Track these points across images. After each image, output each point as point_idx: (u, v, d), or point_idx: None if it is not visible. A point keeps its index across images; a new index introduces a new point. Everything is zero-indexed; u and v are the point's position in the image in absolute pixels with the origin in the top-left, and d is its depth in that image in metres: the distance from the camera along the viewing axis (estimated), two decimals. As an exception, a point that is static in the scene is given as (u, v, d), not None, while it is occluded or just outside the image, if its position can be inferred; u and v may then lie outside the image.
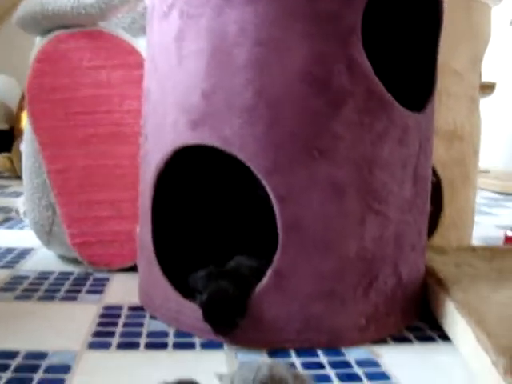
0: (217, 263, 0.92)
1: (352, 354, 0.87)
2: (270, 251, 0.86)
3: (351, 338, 0.90)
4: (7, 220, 1.75)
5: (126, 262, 1.23)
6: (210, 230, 1.05)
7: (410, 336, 0.96)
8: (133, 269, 1.21)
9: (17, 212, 1.76)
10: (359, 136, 0.85)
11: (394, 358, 0.87)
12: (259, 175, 0.84)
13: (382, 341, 0.93)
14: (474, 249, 1.27)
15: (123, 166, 1.19)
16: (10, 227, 1.66)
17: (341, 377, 0.80)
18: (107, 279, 1.19)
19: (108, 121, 1.18)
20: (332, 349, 0.88)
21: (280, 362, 0.69)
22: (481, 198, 2.65)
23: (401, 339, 0.94)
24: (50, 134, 1.19)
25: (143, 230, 1.00)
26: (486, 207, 2.43)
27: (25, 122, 1.33)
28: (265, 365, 0.66)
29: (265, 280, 0.86)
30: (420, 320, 1.02)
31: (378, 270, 0.90)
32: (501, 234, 1.77)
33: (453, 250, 1.24)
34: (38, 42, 1.21)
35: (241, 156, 0.84)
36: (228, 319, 0.85)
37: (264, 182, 0.84)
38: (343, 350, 0.89)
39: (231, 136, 0.84)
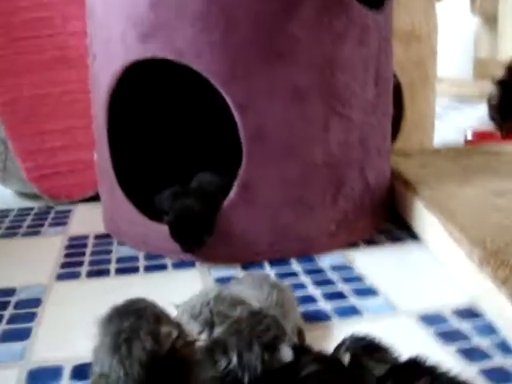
0: (182, 181, 0.89)
1: (325, 261, 0.87)
2: (235, 165, 0.83)
3: (322, 244, 0.90)
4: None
5: (86, 192, 1.19)
6: (171, 148, 1.01)
7: (381, 239, 0.96)
8: (95, 198, 1.18)
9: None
10: (318, 37, 0.82)
11: (366, 260, 0.87)
12: (217, 85, 0.80)
13: (353, 245, 0.93)
14: (437, 150, 1.28)
15: (72, 91, 1.14)
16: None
17: (316, 283, 0.80)
18: (69, 211, 1.15)
19: (51, 45, 1.12)
20: (304, 257, 0.88)
21: (256, 274, 0.68)
22: (437, 104, 2.65)
23: (371, 242, 0.94)
24: (-8, 65, 1.12)
25: (101, 156, 0.96)
26: (443, 113, 2.44)
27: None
28: (213, 290, 0.62)
29: (231, 194, 0.83)
30: (389, 222, 1.02)
31: (345, 176, 0.89)
32: (460, 137, 1.77)
33: (417, 152, 1.23)
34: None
35: (196, 67, 0.80)
36: (195, 236, 0.83)
37: (222, 92, 0.80)
38: (315, 257, 0.88)
39: (185, 46, 0.79)
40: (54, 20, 1.11)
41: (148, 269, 0.86)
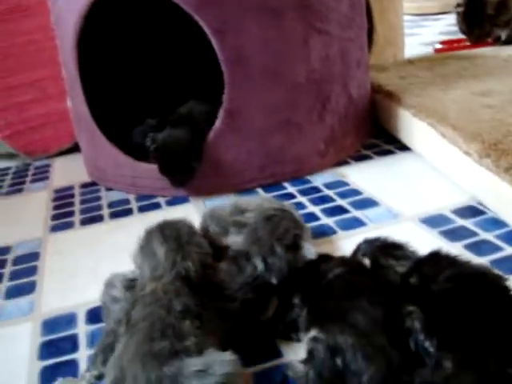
0: (164, 115, 0.87)
1: (318, 180, 0.87)
2: (218, 93, 0.81)
3: (313, 164, 0.89)
4: None
5: (64, 144, 1.16)
6: (149, 83, 0.98)
7: (369, 153, 0.95)
8: (73, 149, 1.15)
9: None
10: (287, -51, 0.79)
11: (359, 175, 0.87)
12: (189, 11, 0.77)
13: (343, 163, 0.92)
14: (411, 61, 1.26)
15: (36, 40, 1.09)
16: None
17: (314, 201, 0.80)
18: (49, 165, 1.12)
19: (5, -6, 1.06)
20: (297, 179, 0.87)
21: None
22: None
23: (361, 157, 0.94)
24: None
25: (76, 102, 0.93)
26: (407, 29, 2.41)
27: None
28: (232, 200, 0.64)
29: (217, 122, 0.81)
30: (374, 138, 1.01)
31: (329, 91, 0.88)
32: (427, 49, 1.77)
33: (392, 65, 1.22)
34: None
35: (166, -6, 0.76)
36: (183, 164, 0.81)
37: (196, 18, 0.77)
38: (308, 177, 0.88)
39: (150, -27, 0.76)
40: (4, -35, 1.04)
41: (142, 209, 0.84)
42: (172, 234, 0.53)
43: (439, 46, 1.70)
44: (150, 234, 0.55)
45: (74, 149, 1.15)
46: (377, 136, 1.01)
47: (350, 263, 0.52)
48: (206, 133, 0.81)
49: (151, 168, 0.85)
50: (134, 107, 0.95)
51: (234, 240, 0.56)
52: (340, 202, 0.78)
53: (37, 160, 1.16)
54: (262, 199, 0.64)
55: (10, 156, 1.18)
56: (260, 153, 0.84)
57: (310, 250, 0.50)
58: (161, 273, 0.49)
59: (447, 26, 2.43)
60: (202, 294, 0.47)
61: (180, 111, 0.87)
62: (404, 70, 1.16)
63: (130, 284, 0.52)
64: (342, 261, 0.52)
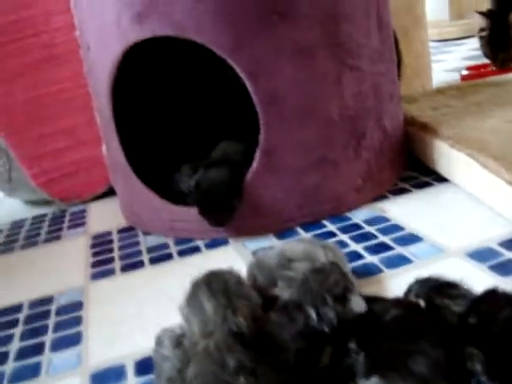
0: (199, 158, 0.87)
1: (357, 216, 0.86)
2: (253, 134, 0.81)
3: (351, 200, 0.88)
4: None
5: (97, 190, 1.17)
6: (184, 127, 0.99)
7: (407, 186, 0.94)
8: (107, 194, 1.16)
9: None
10: (317, -11, 0.79)
11: (399, 210, 0.86)
12: (223, 55, 0.77)
13: (381, 197, 0.91)
14: (440, 91, 1.25)
15: (67, 88, 1.11)
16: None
17: (356, 239, 0.78)
18: (84, 211, 1.13)
19: (38, 45, 1.09)
20: (336, 215, 0.86)
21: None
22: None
23: (399, 191, 0.93)
24: (-21, 75, 1.09)
25: (111, 148, 0.93)
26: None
27: None
28: (276, 247, 0.64)
29: (254, 163, 0.81)
30: (409, 170, 1.00)
31: (364, 126, 0.87)
32: (452, 76, 1.76)
33: (421, 95, 1.21)
34: None
35: (199, 39, 0.77)
36: (224, 203, 0.80)
37: (230, 62, 0.77)
38: (347, 214, 0.87)
39: (184, 19, 0.77)
40: (36, 18, 1.07)
41: (181, 253, 0.84)
42: (219, 288, 0.52)
43: (465, 73, 1.69)
44: (196, 287, 0.54)
45: (108, 193, 1.16)
46: (412, 168, 1.00)
47: (406, 304, 0.50)
48: (244, 171, 0.81)
49: (189, 211, 0.85)
50: (169, 151, 0.96)
51: (283, 291, 0.55)
52: (382, 238, 0.77)
53: (72, 206, 1.16)
54: (307, 244, 0.63)
55: (45, 203, 1.19)
56: (297, 191, 0.83)
57: (359, 303, 0.50)
58: (211, 329, 0.48)
59: (470, 50, 2.42)
60: (254, 347, 0.46)
61: (215, 152, 0.87)
62: (435, 100, 1.15)
63: (179, 340, 0.51)
64: (397, 302, 0.51)
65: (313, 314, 0.48)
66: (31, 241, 1.02)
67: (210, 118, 0.96)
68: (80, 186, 1.15)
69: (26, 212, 1.20)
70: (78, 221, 1.08)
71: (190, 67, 0.97)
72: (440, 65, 2.19)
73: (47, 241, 1.01)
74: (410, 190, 0.92)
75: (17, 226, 1.12)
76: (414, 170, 1.00)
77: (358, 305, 0.49)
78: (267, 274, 0.60)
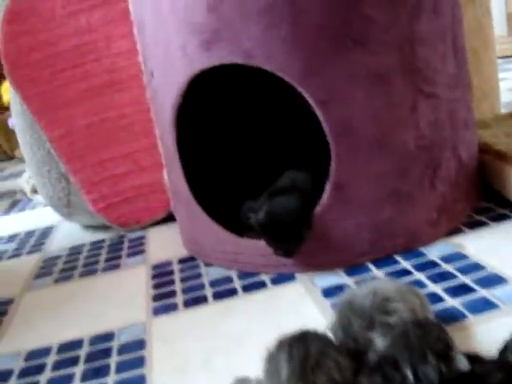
0: (265, 190, 0.83)
1: (433, 252, 0.80)
2: (322, 165, 0.77)
3: (425, 235, 0.83)
4: (15, 203, 1.66)
5: (156, 215, 1.14)
6: (249, 156, 0.95)
7: (483, 219, 0.88)
8: (166, 220, 1.14)
9: (22, 192, 1.67)
10: (393, 13, 0.75)
11: (477, 245, 0.80)
12: (293, 82, 0.74)
13: (456, 231, 0.85)
14: (513, 115, 1.19)
15: (128, 114, 1.09)
16: (22, 209, 1.57)
17: (433, 279, 0.73)
18: (143, 237, 1.11)
19: (99, 70, 1.08)
20: (409, 251, 0.81)
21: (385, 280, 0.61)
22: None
23: (475, 224, 0.87)
24: (41, 100, 1.08)
25: (174, 176, 0.91)
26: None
27: (8, 94, 1.22)
28: (364, 286, 0.59)
29: (325, 196, 0.77)
30: (484, 201, 0.94)
31: (439, 157, 0.82)
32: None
33: (493, 120, 1.15)
34: (2, 2, 1.08)
35: (268, 67, 0.74)
36: (294, 232, 0.76)
37: (300, 89, 0.74)
38: (421, 249, 0.82)
39: (253, 47, 0.74)
40: (98, 43, 1.06)
41: (246, 289, 0.80)
42: (299, 353, 0.48)
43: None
44: (278, 347, 0.50)
45: (167, 219, 1.13)
46: (487, 199, 0.95)
47: (510, 368, 0.45)
48: (314, 200, 0.77)
49: (254, 244, 0.81)
50: (233, 180, 0.92)
51: (379, 339, 0.51)
52: (462, 278, 0.72)
53: (130, 231, 1.14)
54: (396, 283, 0.59)
55: (103, 228, 1.17)
56: (370, 226, 0.79)
57: (463, 361, 0.45)
58: None
59: None
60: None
61: (282, 181, 0.83)
62: (508, 125, 1.09)
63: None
64: (501, 364, 0.46)
65: (410, 374, 0.44)
66: (90, 268, 1.00)
67: (278, 148, 0.92)
68: (139, 211, 1.13)
69: (85, 237, 1.18)
70: (137, 248, 1.05)
71: (257, 94, 0.94)
72: (503, 84, 2.11)
73: (106, 269, 0.99)
74: (487, 224, 0.86)
75: (75, 251, 1.11)
76: (489, 201, 0.94)
77: (462, 364, 0.45)
78: (362, 316, 0.55)
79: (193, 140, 0.89)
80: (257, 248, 0.81)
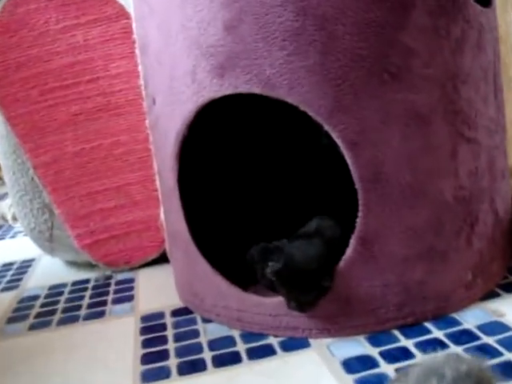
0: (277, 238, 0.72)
1: (468, 319, 0.70)
2: (348, 215, 0.67)
3: (459, 298, 0.72)
4: (-6, 230, 1.54)
5: (148, 255, 1.03)
6: (262, 199, 0.84)
7: (520, 280, 0.78)
8: (157, 261, 1.03)
9: (3, 218, 1.55)
10: (436, 46, 0.65)
11: (519, 313, 0.70)
12: (319, 119, 0.64)
13: (492, 294, 0.75)
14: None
15: (123, 142, 0.98)
16: (1, 238, 1.44)
17: (473, 352, 0.62)
18: (132, 280, 0.99)
19: (94, 92, 0.97)
20: (440, 317, 0.71)
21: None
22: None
23: (511, 286, 0.77)
24: (28, 121, 0.98)
25: (172, 217, 0.80)
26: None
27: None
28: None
29: (349, 251, 0.67)
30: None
31: (477, 210, 0.72)
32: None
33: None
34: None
35: (291, 99, 0.64)
36: (313, 283, 0.66)
37: (327, 127, 0.64)
38: (454, 315, 0.71)
39: (274, 75, 0.63)
40: (94, 62, 0.96)
41: (252, 354, 0.69)
42: None
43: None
44: None
45: (159, 260, 1.02)
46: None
47: None
48: (340, 250, 0.66)
49: (262, 301, 0.71)
50: (240, 226, 0.81)
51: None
52: (508, 355, 0.61)
53: (118, 272, 1.03)
54: (463, 362, 0.48)
55: (89, 266, 1.06)
56: (398, 287, 0.68)
57: None
58: None
59: None
60: None
61: (307, 227, 0.72)
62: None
63: None
64: None
65: None
66: (70, 315, 0.89)
67: (296, 192, 0.81)
68: (129, 250, 1.02)
69: (67, 275, 1.07)
70: (126, 293, 0.94)
71: (277, 130, 0.83)
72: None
73: (89, 317, 0.87)
74: (526, 287, 0.76)
75: (55, 292, 0.99)
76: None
77: None
78: None
79: (196, 177, 0.79)
80: (264, 306, 0.70)
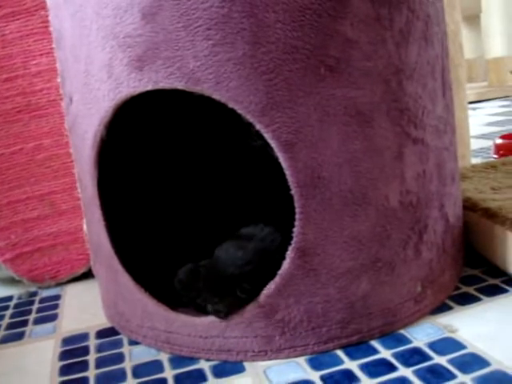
0: (208, 252, 0.65)
1: (418, 336, 0.64)
2: (285, 224, 0.60)
3: (408, 313, 0.67)
4: None
5: (76, 270, 0.95)
6: (191, 207, 0.77)
7: (472, 291, 0.73)
8: (87, 275, 0.94)
9: None
10: (378, 37, 0.60)
11: (471, 328, 0.64)
12: (250, 118, 0.57)
13: (443, 308, 0.70)
14: (492, 165, 1.05)
15: (46, 147, 0.90)
16: None
17: (425, 378, 0.56)
18: (58, 297, 0.91)
19: (12, 92, 0.89)
20: (388, 334, 0.65)
21: None
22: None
23: (464, 298, 0.72)
24: None
25: (93, 228, 0.72)
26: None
27: None
28: None
29: (286, 264, 0.60)
30: (469, 267, 0.80)
31: (426, 216, 0.67)
32: (482, 144, 1.61)
33: (471, 172, 1.01)
34: None
35: (218, 95, 0.57)
36: (233, 286, 0.60)
37: (259, 126, 0.57)
38: (403, 331, 0.65)
39: (199, 69, 0.56)
40: (12, 60, 0.87)
41: (179, 381, 0.61)
42: None
43: (500, 141, 1.51)
44: None
45: (89, 274, 0.94)
46: (471, 265, 0.80)
47: None
48: (275, 256, 0.60)
49: (192, 321, 0.63)
50: (168, 238, 0.74)
51: None
52: (462, 378, 0.55)
53: (44, 288, 0.94)
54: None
55: (10, 281, 0.97)
56: (341, 303, 0.62)
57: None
58: None
59: (489, 115, 2.32)
60: None
61: (244, 230, 0.65)
62: (490, 178, 0.95)
63: None
64: None
65: None
66: (-15, 338, 0.79)
67: (227, 198, 0.74)
68: (55, 264, 0.94)
69: (-14, 293, 0.97)
70: (49, 311, 0.86)
71: (205, 129, 0.76)
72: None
73: (6, 340, 0.78)
74: (479, 298, 0.71)
75: (-28, 312, 0.90)
76: (475, 267, 0.79)
77: None
78: None
79: (118, 183, 0.71)
80: (195, 327, 0.63)
